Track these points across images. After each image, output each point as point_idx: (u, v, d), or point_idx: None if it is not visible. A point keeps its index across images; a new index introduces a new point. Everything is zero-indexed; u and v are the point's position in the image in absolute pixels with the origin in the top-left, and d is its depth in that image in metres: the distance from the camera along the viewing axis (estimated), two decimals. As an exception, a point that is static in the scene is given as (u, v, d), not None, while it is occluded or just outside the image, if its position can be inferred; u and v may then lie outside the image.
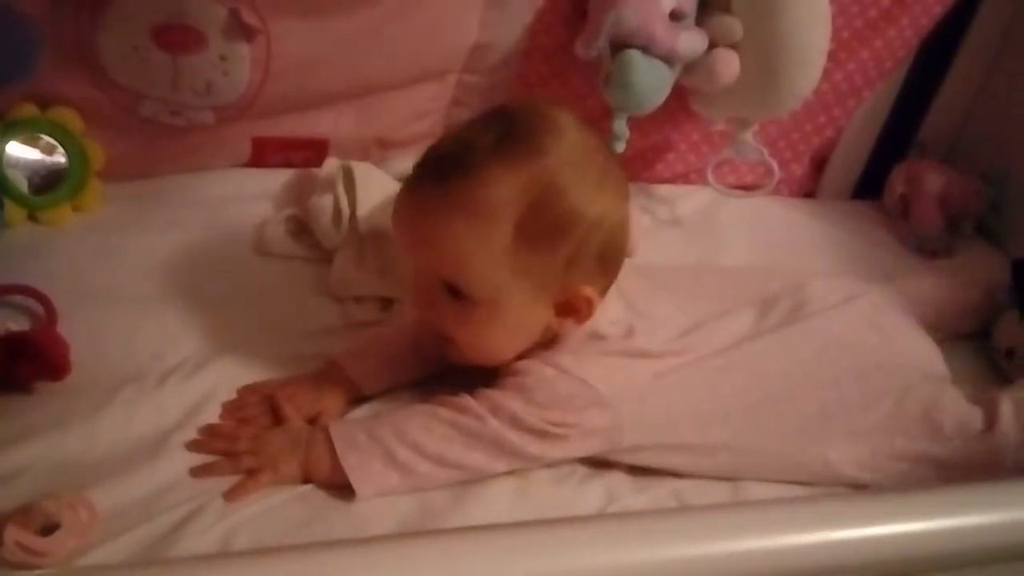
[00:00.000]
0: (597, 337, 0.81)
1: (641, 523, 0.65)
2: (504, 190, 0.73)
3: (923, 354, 0.91)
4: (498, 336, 0.79)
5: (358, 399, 0.85)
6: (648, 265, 0.94)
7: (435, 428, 0.76)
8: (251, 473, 0.74)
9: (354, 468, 0.74)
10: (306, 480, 0.75)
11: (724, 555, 0.62)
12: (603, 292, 0.80)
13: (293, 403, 0.81)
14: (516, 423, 0.76)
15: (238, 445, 0.76)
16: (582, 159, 0.75)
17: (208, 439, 0.78)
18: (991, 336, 1.07)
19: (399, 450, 0.74)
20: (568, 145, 0.75)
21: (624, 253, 0.80)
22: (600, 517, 0.76)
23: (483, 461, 0.76)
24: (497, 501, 0.77)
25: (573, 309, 0.78)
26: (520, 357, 0.81)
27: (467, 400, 0.77)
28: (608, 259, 0.78)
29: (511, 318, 0.77)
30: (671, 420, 0.81)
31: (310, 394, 0.82)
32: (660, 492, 0.81)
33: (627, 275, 0.86)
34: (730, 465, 0.83)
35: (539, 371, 0.79)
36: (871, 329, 0.89)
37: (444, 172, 0.75)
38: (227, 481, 0.74)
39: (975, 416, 0.86)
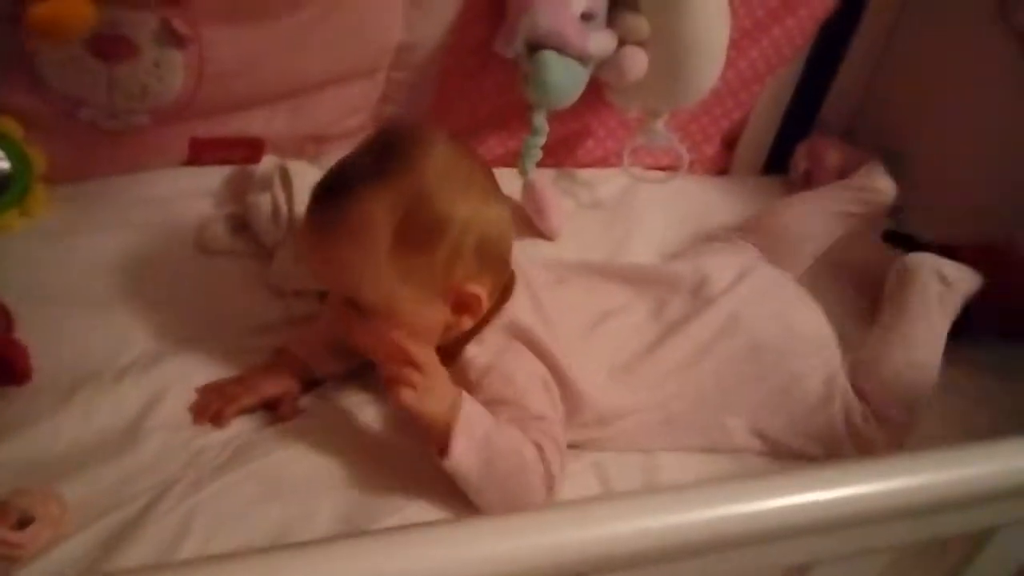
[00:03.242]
0: (510, 327, 0.88)
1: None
2: (379, 205, 0.80)
3: (814, 327, 1.01)
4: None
5: (313, 382, 0.92)
6: (555, 259, 1.05)
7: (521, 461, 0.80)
8: (407, 382, 0.78)
9: (456, 444, 0.77)
10: (432, 420, 0.78)
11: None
12: (493, 288, 0.86)
13: (255, 392, 0.87)
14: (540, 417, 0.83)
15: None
16: (448, 170, 0.82)
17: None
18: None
19: (493, 459, 0.79)
20: (435, 159, 0.82)
21: (506, 251, 0.87)
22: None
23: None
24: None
25: (465, 306, 0.85)
26: (452, 355, 0.86)
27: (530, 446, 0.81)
28: (488, 256, 0.84)
29: (409, 322, 0.83)
30: (589, 395, 0.89)
31: (268, 379, 0.89)
32: (579, 465, 0.88)
33: (533, 268, 0.95)
34: (642, 432, 0.92)
35: (491, 361, 0.85)
36: (764, 305, 0.99)
37: (329, 197, 0.83)
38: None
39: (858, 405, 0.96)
